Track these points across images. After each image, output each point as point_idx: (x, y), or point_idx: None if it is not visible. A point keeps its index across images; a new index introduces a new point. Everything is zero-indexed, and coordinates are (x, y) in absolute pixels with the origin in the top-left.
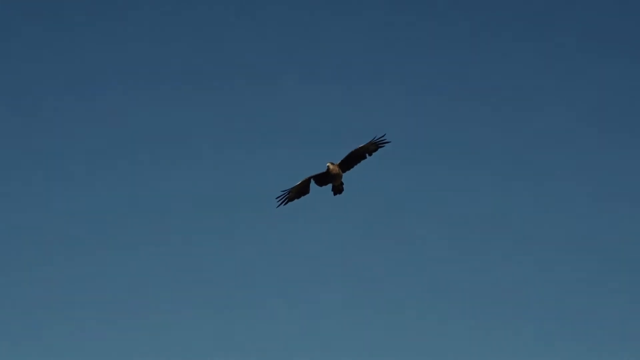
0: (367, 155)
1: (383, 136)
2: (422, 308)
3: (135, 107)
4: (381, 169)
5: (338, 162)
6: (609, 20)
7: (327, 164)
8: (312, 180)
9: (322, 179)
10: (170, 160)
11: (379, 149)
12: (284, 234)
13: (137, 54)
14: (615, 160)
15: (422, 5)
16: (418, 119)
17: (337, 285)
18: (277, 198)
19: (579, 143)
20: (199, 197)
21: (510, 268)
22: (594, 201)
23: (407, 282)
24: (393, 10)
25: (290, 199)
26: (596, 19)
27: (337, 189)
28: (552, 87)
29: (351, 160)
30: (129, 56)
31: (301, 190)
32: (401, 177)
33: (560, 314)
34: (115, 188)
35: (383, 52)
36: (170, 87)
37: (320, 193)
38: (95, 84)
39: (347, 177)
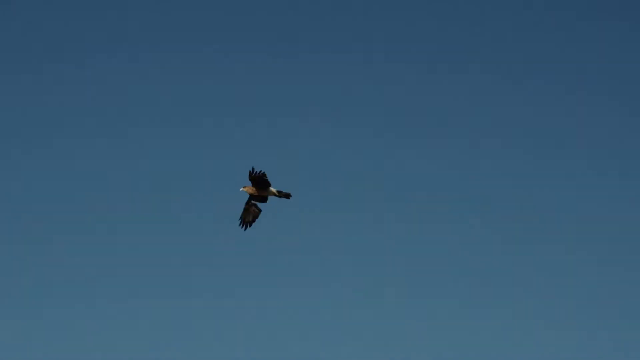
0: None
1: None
2: None
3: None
4: None
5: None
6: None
7: (241, 190)
8: (251, 201)
9: (257, 198)
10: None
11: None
12: None
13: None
14: None
15: None
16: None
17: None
18: (239, 226)
19: None
20: None
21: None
22: None
23: None
24: None
25: (249, 222)
26: None
27: (281, 196)
28: None
29: (258, 181)
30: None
31: (252, 213)
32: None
33: None
34: None
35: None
36: None
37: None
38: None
39: None
